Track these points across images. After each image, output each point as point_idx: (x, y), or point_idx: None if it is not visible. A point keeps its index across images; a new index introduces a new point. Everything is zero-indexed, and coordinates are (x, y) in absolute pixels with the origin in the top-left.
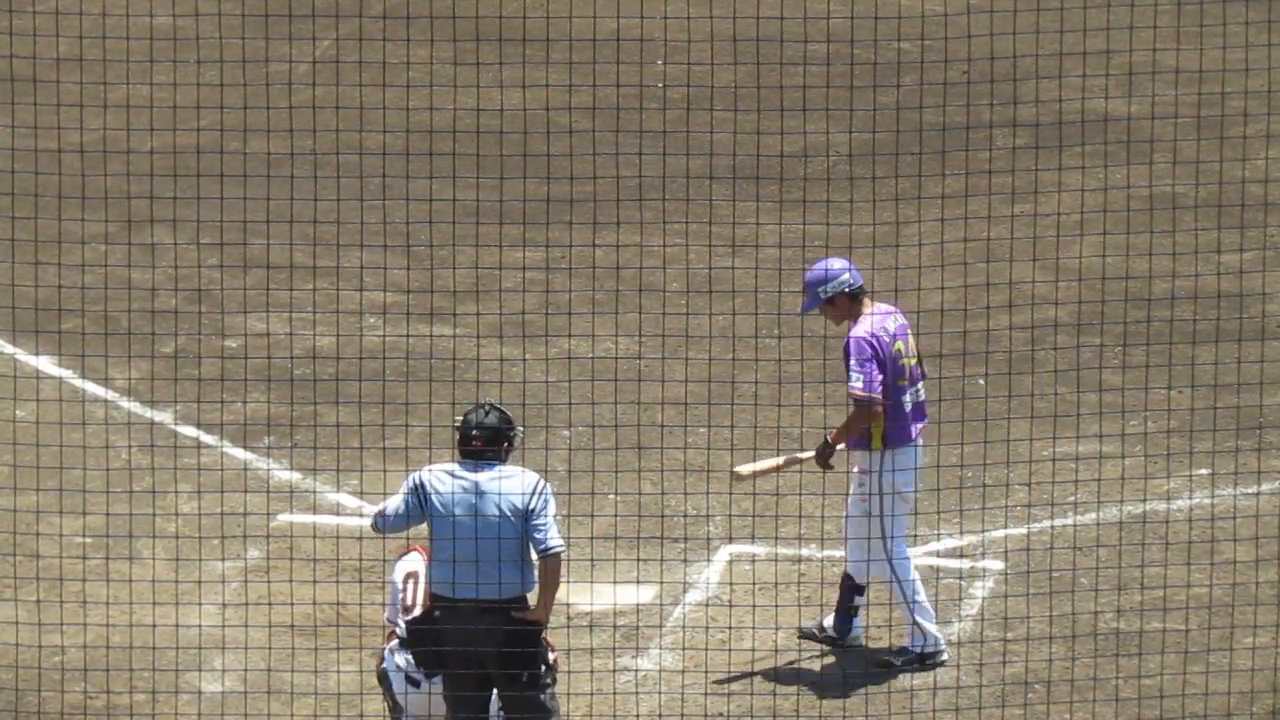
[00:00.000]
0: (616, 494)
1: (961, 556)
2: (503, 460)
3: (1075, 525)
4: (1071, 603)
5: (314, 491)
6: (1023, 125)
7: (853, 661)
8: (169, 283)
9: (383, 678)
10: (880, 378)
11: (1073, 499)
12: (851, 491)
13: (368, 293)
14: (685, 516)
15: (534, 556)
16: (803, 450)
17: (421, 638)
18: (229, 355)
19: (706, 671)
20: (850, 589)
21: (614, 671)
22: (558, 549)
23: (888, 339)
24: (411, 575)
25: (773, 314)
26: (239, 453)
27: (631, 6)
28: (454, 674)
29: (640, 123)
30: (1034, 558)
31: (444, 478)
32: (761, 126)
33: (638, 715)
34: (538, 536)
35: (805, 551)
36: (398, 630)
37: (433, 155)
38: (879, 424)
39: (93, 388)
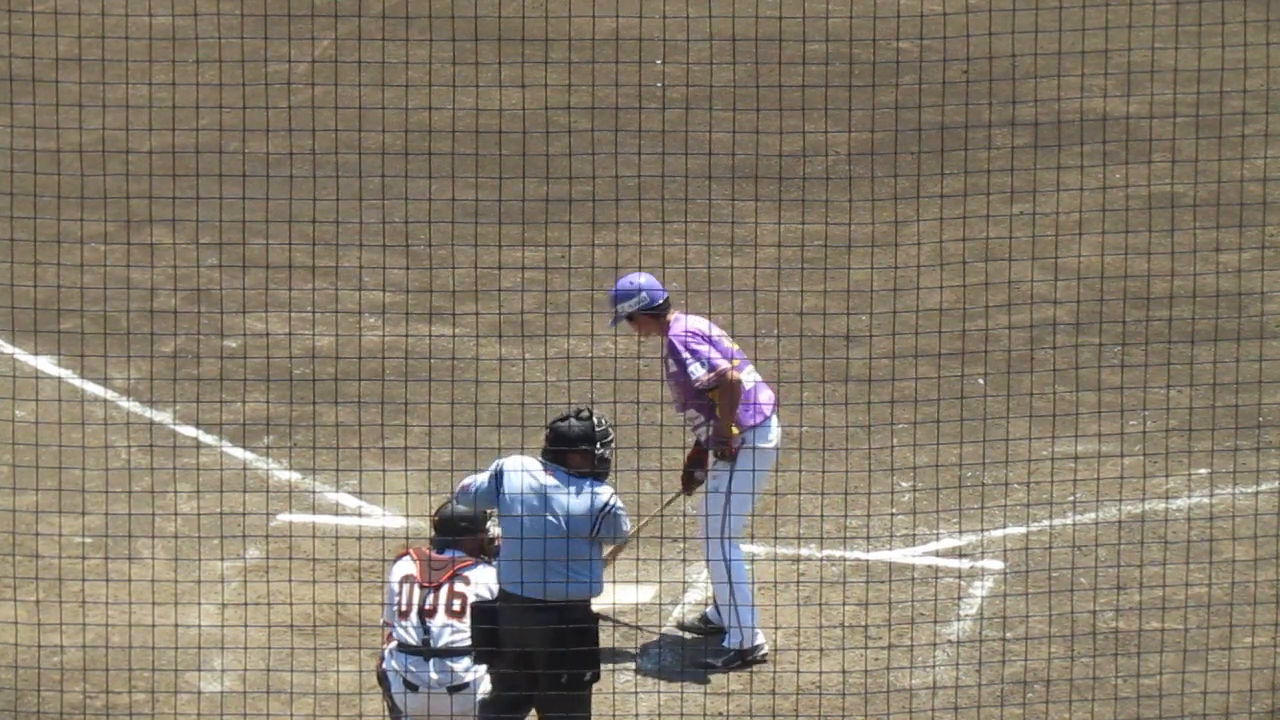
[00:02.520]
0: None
1: (961, 556)
2: (583, 469)
3: (1074, 525)
4: (1071, 602)
5: (313, 491)
6: (1022, 125)
7: (853, 661)
8: (169, 283)
9: (382, 678)
10: (717, 354)
11: (1072, 499)
12: (707, 486)
13: (367, 292)
14: (685, 516)
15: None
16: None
17: (482, 630)
18: (229, 355)
19: (707, 671)
20: None
21: (614, 671)
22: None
23: (706, 328)
24: (407, 579)
25: (772, 314)
26: (239, 453)
27: (631, 6)
28: (504, 669)
29: (639, 122)
30: (1033, 557)
31: (519, 474)
32: (761, 126)
33: (637, 715)
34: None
35: (805, 551)
36: (394, 634)
37: (432, 155)
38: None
39: (92, 388)
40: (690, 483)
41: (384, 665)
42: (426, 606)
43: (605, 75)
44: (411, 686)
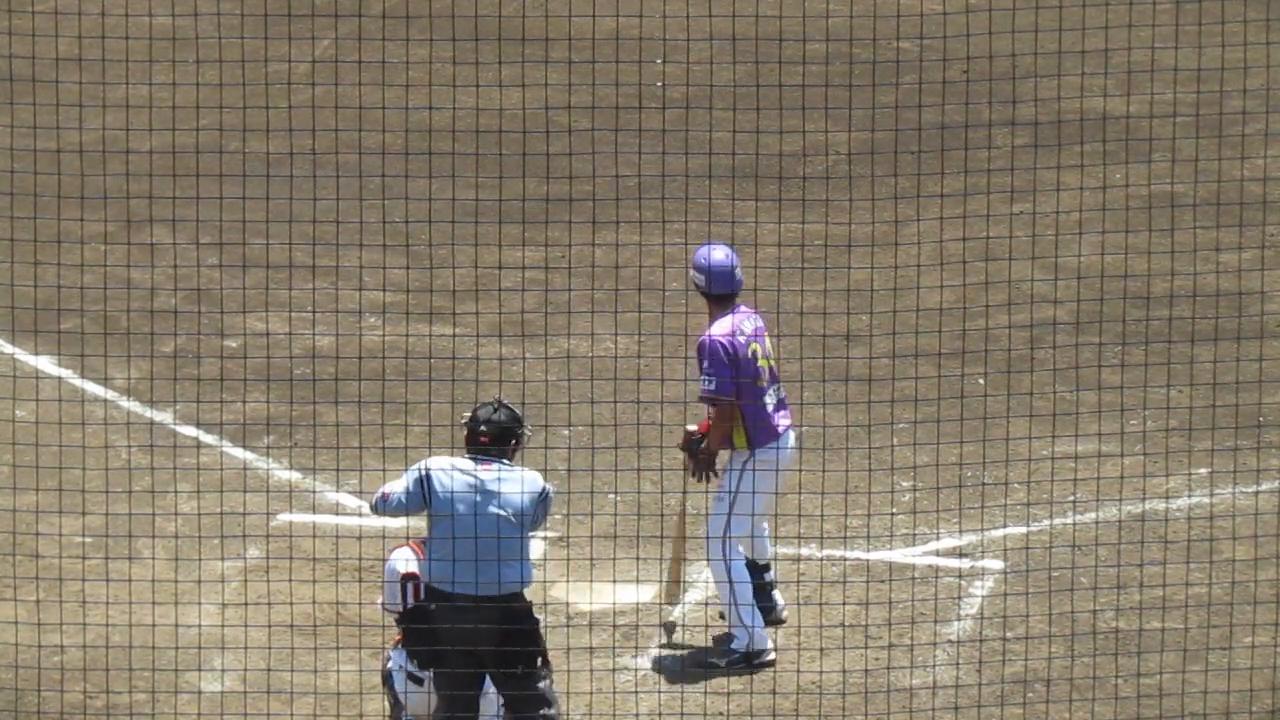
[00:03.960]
0: (616, 494)
1: (961, 556)
2: (510, 458)
3: (1075, 524)
4: (1071, 602)
5: (314, 491)
6: (1022, 124)
7: (853, 661)
8: (169, 283)
9: (387, 677)
10: (732, 378)
11: (1072, 498)
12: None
13: (368, 292)
14: (685, 516)
15: (533, 553)
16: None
17: (417, 633)
18: (229, 355)
19: (707, 671)
20: (753, 570)
21: (614, 671)
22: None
23: (743, 339)
24: (410, 577)
25: (772, 313)
26: (239, 453)
27: (631, 6)
28: (449, 669)
29: (640, 122)
30: (1033, 557)
31: (450, 472)
32: (761, 126)
33: (637, 715)
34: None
35: (805, 551)
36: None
37: (432, 155)
38: (739, 425)
39: (93, 388)
40: (706, 466)
41: (389, 665)
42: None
43: (605, 75)
44: (416, 680)
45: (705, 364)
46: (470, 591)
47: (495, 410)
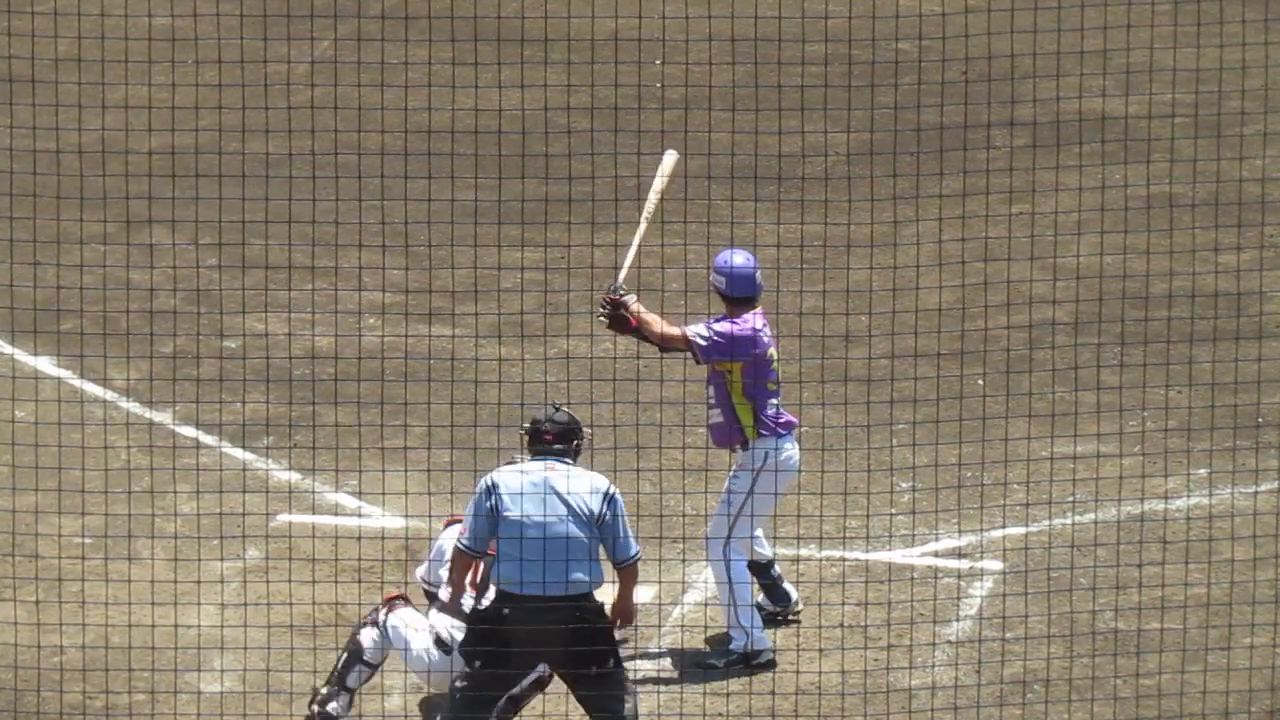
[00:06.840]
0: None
1: (960, 556)
2: (572, 460)
3: (1074, 525)
4: (1070, 602)
5: (313, 491)
6: (1021, 125)
7: (852, 661)
8: (168, 283)
9: (357, 649)
10: (713, 350)
11: (1071, 499)
12: (725, 486)
13: (367, 293)
14: (685, 516)
15: (604, 556)
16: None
17: (486, 634)
18: (228, 355)
19: (705, 671)
20: (759, 571)
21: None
22: (632, 558)
23: (766, 339)
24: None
25: (772, 314)
26: (238, 453)
27: (630, 6)
28: (498, 671)
29: (639, 123)
30: (1033, 558)
31: (513, 476)
32: (760, 126)
33: (637, 715)
34: (612, 546)
35: (805, 551)
36: (440, 595)
37: (432, 155)
38: (749, 417)
39: (92, 388)
40: (616, 318)
41: (371, 633)
42: (478, 580)
43: (605, 75)
44: (444, 647)
45: (718, 329)
46: (536, 592)
47: (556, 410)
